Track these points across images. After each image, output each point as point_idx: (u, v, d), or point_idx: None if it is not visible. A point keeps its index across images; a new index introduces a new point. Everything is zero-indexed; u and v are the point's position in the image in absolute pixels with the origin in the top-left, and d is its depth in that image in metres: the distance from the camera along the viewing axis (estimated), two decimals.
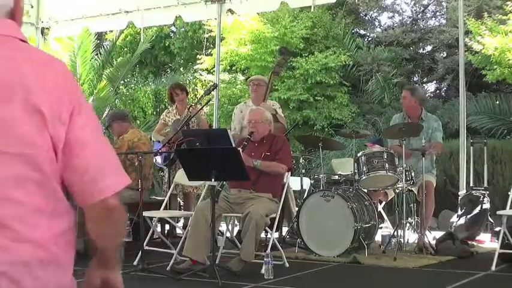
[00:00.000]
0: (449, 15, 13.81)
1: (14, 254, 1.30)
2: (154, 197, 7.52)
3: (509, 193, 5.30)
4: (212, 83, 7.90)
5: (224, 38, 12.55)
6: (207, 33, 13.70)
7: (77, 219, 1.45)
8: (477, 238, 6.50)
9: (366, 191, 6.16)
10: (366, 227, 5.75)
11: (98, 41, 14.19)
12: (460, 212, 6.68)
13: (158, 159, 6.99)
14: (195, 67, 14.77)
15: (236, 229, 6.35)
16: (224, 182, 5.27)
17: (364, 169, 5.98)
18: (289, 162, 5.56)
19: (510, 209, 5.21)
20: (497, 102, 11.39)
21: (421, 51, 15.15)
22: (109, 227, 1.44)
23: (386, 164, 5.91)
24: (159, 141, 6.94)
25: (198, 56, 14.23)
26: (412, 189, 6.15)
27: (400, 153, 5.94)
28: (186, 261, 5.04)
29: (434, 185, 6.25)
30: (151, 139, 7.25)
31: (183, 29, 15.47)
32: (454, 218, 6.71)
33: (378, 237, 6.18)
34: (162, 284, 4.81)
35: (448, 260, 5.53)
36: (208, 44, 13.85)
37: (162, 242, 5.82)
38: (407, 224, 6.05)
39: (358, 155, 6.14)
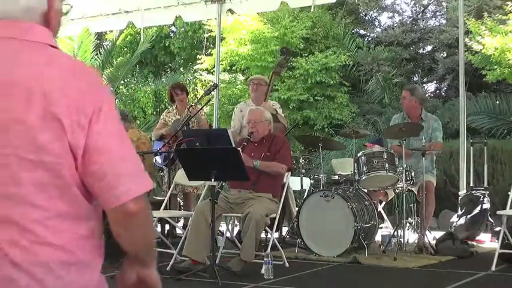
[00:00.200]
0: (449, 15, 13.82)
1: (33, 255, 1.34)
2: (154, 197, 7.52)
3: (509, 193, 5.29)
4: (212, 83, 7.91)
5: (224, 38, 12.55)
6: (207, 33, 13.71)
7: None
8: (477, 238, 6.50)
9: (366, 191, 6.15)
10: (366, 227, 5.74)
11: (98, 41, 14.20)
12: (460, 212, 6.68)
13: (158, 159, 6.98)
14: (195, 67, 14.78)
15: (236, 229, 6.35)
16: (224, 183, 5.26)
17: (364, 169, 5.97)
18: (289, 162, 5.56)
19: (510, 209, 5.21)
20: (497, 102, 11.40)
21: (421, 51, 15.16)
22: (130, 231, 1.43)
23: (386, 164, 5.91)
24: (159, 140, 6.94)
25: (198, 56, 14.23)
26: (412, 189, 6.15)
27: (400, 153, 5.94)
28: (186, 261, 5.04)
29: (435, 185, 6.25)
30: (151, 139, 7.25)
31: (183, 29, 15.47)
32: (454, 218, 6.71)
33: (378, 237, 6.17)
34: (162, 284, 4.79)
35: (448, 260, 5.53)
36: (208, 44, 13.86)
37: (162, 242, 5.81)
38: (407, 224, 6.05)
39: (358, 155, 6.14)
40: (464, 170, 7.12)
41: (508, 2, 10.36)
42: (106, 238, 1.50)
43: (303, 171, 7.36)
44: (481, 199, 6.63)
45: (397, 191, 6.14)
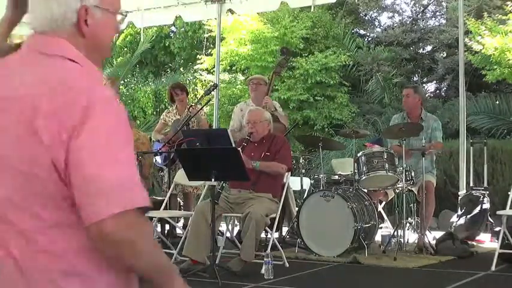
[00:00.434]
0: (449, 15, 13.82)
1: (33, 261, 1.34)
2: (154, 197, 7.52)
3: (509, 193, 5.30)
4: (212, 83, 7.90)
5: (224, 38, 12.55)
6: (207, 33, 13.70)
7: None
8: (477, 238, 6.51)
9: (366, 191, 6.15)
10: (366, 227, 5.74)
11: None
12: (460, 212, 6.68)
13: (158, 159, 6.98)
14: (195, 67, 14.77)
15: (236, 229, 6.35)
16: (224, 183, 5.26)
17: (364, 169, 5.97)
18: (289, 162, 5.56)
19: (510, 209, 5.21)
20: (497, 102, 11.41)
21: (421, 51, 15.16)
22: (109, 250, 1.33)
23: (386, 164, 5.91)
24: (158, 141, 6.94)
25: (198, 56, 14.23)
26: (412, 189, 6.15)
27: (400, 153, 5.94)
28: (186, 261, 5.04)
29: (435, 185, 6.25)
30: (151, 139, 7.25)
31: (183, 29, 15.47)
32: (454, 218, 6.71)
33: (378, 237, 6.18)
34: None
35: (448, 260, 5.53)
36: (208, 44, 13.85)
37: (162, 242, 5.82)
38: (407, 224, 6.05)
39: (358, 155, 6.14)
40: (464, 170, 7.13)
41: (508, 2, 10.36)
42: None
43: (303, 171, 7.36)
44: (481, 199, 6.64)
45: (397, 191, 6.14)
